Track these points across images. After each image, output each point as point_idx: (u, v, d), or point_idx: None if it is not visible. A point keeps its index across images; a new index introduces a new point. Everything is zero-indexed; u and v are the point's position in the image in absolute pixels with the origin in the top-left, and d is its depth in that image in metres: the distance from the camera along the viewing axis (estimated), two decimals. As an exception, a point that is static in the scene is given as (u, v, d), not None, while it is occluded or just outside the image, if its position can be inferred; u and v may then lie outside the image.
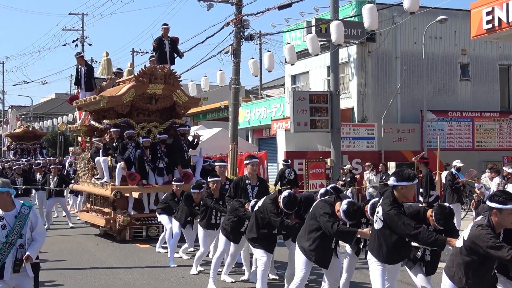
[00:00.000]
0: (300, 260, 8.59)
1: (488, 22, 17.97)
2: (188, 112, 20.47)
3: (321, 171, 24.64)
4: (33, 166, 25.32)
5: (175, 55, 19.27)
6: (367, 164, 24.00)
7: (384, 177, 22.97)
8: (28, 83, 63.55)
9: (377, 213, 7.49)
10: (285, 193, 9.24)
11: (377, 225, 7.51)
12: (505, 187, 14.40)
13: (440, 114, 28.27)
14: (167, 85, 17.12)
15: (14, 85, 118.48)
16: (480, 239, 6.04)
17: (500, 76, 31.18)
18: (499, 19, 17.58)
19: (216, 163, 13.49)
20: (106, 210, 17.03)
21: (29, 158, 37.50)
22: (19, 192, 18.54)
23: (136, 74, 17.19)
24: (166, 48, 18.58)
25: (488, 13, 17.91)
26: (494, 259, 6.18)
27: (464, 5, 27.12)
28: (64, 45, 53.15)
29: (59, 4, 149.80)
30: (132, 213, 16.20)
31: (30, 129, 45.25)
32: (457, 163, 18.74)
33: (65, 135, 49.53)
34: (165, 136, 17.08)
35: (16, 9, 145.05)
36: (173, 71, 17.82)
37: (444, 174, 18.71)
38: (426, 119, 27.46)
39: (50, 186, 19.99)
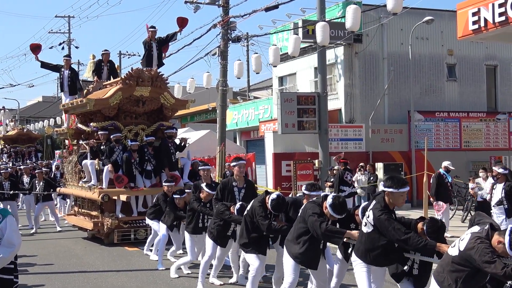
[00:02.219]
0: (288, 265, 8.55)
1: (474, 22, 18.07)
2: (175, 114, 20.26)
3: (309, 173, 24.78)
4: (21, 168, 25.04)
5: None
6: (360, 164, 24.14)
7: (372, 178, 23.09)
8: (14, 86, 63.40)
9: (367, 216, 7.49)
10: (274, 195, 9.17)
11: (366, 229, 7.51)
12: (494, 186, 14.48)
13: (427, 115, 28.35)
14: (154, 87, 16.99)
15: (1, 88, 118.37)
16: (477, 253, 6.03)
17: (486, 77, 31.29)
18: (485, 20, 17.68)
19: (200, 168, 13.38)
20: (94, 213, 16.83)
21: (22, 162, 36.97)
22: (6, 196, 18.67)
23: (123, 77, 17.02)
24: (153, 51, 18.27)
25: (474, 14, 18.01)
26: (487, 273, 6.17)
27: (450, 6, 27.40)
28: (51, 47, 53.30)
29: (45, 6, 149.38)
30: (120, 216, 16.06)
31: (25, 131, 44.38)
32: (448, 165, 18.79)
33: (52, 138, 49.33)
34: (152, 138, 16.93)
35: (1, 11, 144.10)
36: (160, 73, 17.62)
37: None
38: (413, 119, 27.52)
39: (37, 191, 19.84)
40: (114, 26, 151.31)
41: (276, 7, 22.24)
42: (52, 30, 51.24)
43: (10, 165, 32.20)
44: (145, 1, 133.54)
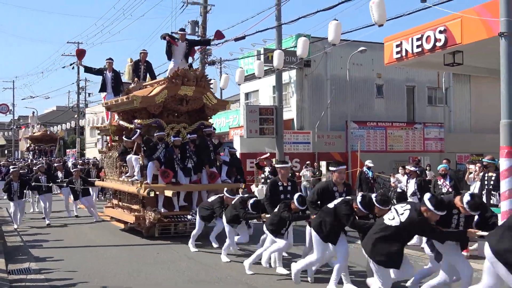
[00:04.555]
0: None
1: (397, 52, 18.23)
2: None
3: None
4: (55, 164, 22.45)
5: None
6: (307, 162, 24.35)
7: (316, 173, 23.47)
8: (33, 97, 63.28)
9: (401, 213, 6.74)
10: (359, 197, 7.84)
11: (394, 222, 6.76)
12: (408, 181, 14.67)
13: (361, 124, 28.58)
14: (198, 87, 14.22)
15: (22, 99, 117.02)
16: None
17: (406, 95, 31.61)
18: (406, 50, 17.86)
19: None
20: (135, 207, 14.06)
21: (49, 158, 35.87)
22: (43, 189, 16.84)
23: (169, 76, 14.17)
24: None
25: (397, 46, 18.18)
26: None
27: (379, 39, 27.49)
28: (63, 67, 53.09)
29: (59, 33, 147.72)
30: (163, 211, 13.24)
31: (48, 132, 43.99)
32: (368, 162, 19.29)
33: (64, 140, 48.69)
34: (195, 136, 14.17)
35: (24, 38, 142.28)
36: (205, 74, 14.90)
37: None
38: (349, 128, 27.70)
39: (76, 187, 17.41)
40: (114, 50, 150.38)
41: (243, 37, 22.24)
42: (64, 54, 50.43)
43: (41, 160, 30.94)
44: (139, 31, 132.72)
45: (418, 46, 17.38)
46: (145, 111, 14.09)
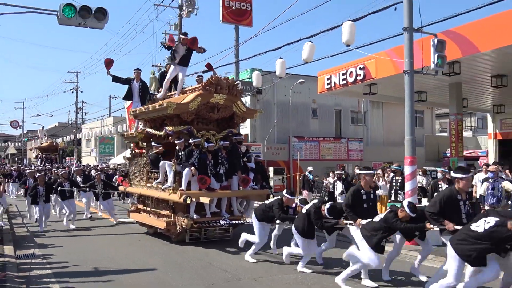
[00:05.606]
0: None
1: (328, 83, 18.50)
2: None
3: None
4: (73, 169, 19.21)
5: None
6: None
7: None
8: (39, 115, 62.08)
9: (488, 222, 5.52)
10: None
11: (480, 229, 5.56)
12: (336, 183, 14.78)
13: (300, 139, 28.78)
14: (230, 95, 11.43)
15: (30, 116, 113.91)
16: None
17: (335, 116, 32.03)
18: (334, 82, 18.15)
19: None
20: (164, 212, 11.32)
21: (53, 165, 34.54)
22: (67, 195, 13.96)
23: (203, 83, 11.32)
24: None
25: (328, 78, 18.46)
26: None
27: (314, 73, 27.93)
28: (65, 91, 52.98)
29: (62, 64, 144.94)
30: (195, 217, 10.44)
31: (54, 143, 42.93)
32: (310, 168, 19.48)
33: (63, 150, 47.43)
34: (228, 143, 11.50)
35: (33, 68, 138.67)
36: (236, 82, 12.08)
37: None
38: (291, 141, 27.89)
39: (97, 190, 15.14)
40: (106, 78, 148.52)
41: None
42: (65, 81, 49.43)
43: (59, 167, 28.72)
44: (127, 63, 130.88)
45: (343, 79, 17.70)
46: (176, 118, 11.31)
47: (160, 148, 11.54)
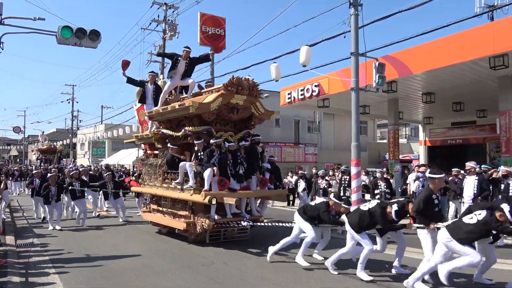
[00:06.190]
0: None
1: (288, 98, 18.66)
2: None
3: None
4: (79, 169, 15.67)
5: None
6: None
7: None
8: (39, 122, 60.61)
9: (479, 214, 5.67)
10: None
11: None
12: (299, 181, 14.82)
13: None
14: (249, 96, 9.85)
15: (31, 123, 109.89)
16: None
17: (294, 125, 32.28)
18: (294, 97, 18.33)
19: (434, 176, 6.21)
20: (182, 213, 9.67)
21: (52, 165, 32.95)
22: (78, 195, 12.36)
23: (225, 83, 9.63)
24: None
25: (288, 94, 18.63)
26: None
27: (277, 89, 28.26)
28: (62, 102, 52.09)
29: (60, 77, 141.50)
30: (216, 218, 8.96)
31: (52, 146, 41.74)
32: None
33: (61, 152, 46.18)
34: (248, 144, 9.95)
35: (34, 80, 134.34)
36: (256, 83, 10.18)
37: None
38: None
39: (108, 190, 13.59)
40: (100, 90, 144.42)
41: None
42: (63, 92, 48.48)
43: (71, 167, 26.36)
44: (117, 79, 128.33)
45: (301, 94, 17.91)
46: (196, 119, 9.69)
47: (176, 148, 10.06)
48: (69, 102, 47.34)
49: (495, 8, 19.81)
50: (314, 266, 7.21)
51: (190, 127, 9.65)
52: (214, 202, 8.55)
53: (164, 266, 7.39)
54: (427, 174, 6.42)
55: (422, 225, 6.05)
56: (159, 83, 12.18)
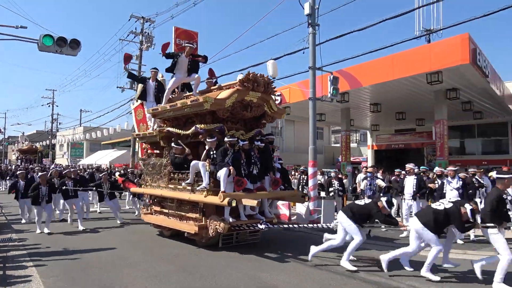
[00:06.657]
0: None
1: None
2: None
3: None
4: (71, 170, 12.71)
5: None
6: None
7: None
8: (20, 124, 57.47)
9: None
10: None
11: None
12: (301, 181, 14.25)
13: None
14: (264, 94, 8.30)
15: (11, 125, 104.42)
16: None
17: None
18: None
19: (504, 176, 5.67)
20: (192, 215, 8.06)
21: (31, 164, 31.11)
22: (71, 194, 10.67)
23: (241, 79, 8.05)
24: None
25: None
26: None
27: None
28: (42, 105, 49.79)
29: (41, 82, 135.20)
30: (231, 220, 7.50)
31: (33, 147, 39.68)
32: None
33: (41, 152, 44.20)
34: (262, 144, 8.28)
35: (15, 84, 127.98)
36: (271, 80, 8.71)
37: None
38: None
39: (104, 191, 11.62)
40: (79, 94, 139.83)
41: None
42: (43, 96, 46.46)
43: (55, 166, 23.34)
44: (95, 85, 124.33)
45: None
46: (209, 116, 8.12)
47: (183, 148, 8.54)
48: (49, 106, 45.59)
49: (432, 32, 20.63)
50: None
51: (202, 125, 8.04)
52: (234, 204, 7.05)
53: (137, 257, 7.11)
54: (495, 175, 5.95)
55: (492, 225, 5.51)
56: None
